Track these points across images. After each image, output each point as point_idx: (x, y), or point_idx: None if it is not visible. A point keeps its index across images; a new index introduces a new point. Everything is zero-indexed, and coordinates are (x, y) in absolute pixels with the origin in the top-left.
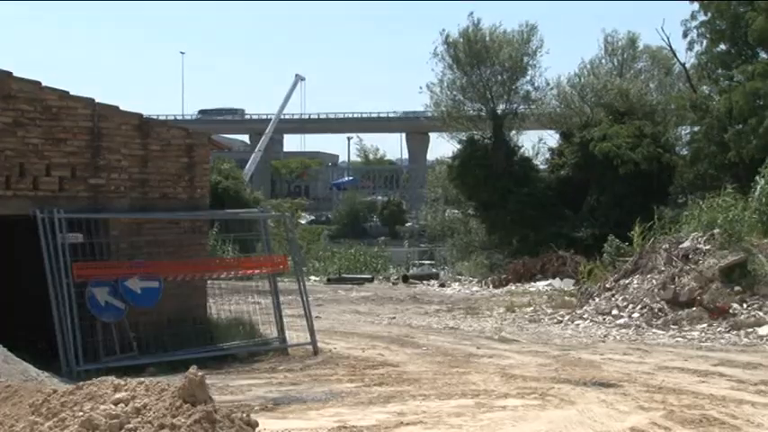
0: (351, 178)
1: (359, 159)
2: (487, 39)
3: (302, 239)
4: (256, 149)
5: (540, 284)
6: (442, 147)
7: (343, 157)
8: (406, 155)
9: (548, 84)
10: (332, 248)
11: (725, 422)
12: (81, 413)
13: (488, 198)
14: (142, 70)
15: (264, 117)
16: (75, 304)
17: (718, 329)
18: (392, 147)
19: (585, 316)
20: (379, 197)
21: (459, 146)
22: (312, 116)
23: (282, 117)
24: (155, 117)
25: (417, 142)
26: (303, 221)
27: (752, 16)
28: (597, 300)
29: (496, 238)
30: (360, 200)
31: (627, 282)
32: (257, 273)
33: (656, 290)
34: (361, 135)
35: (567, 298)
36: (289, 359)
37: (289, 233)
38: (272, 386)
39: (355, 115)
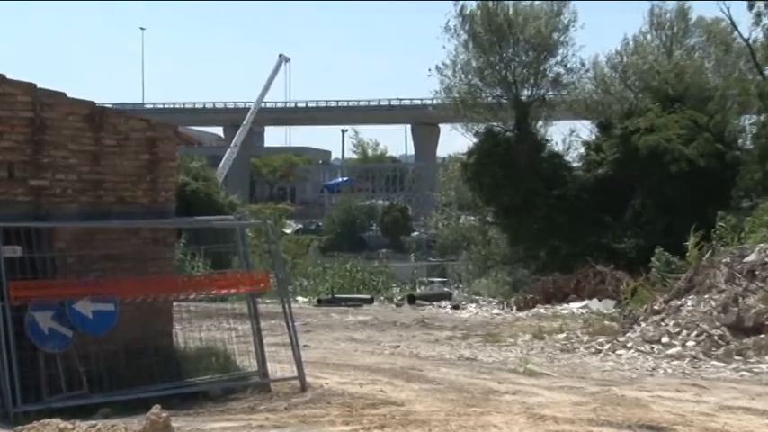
0: (345, 179)
1: (355, 156)
2: (511, 11)
3: (287, 252)
4: (232, 144)
5: (575, 306)
6: (454, 141)
7: (336, 154)
8: (411, 150)
9: (582, 65)
10: (323, 263)
11: None
12: None
13: (511, 202)
14: (93, 50)
15: (242, 106)
16: (13, 332)
17: None
18: (395, 141)
19: (629, 344)
20: (380, 201)
21: (475, 139)
22: (299, 104)
23: (263, 105)
24: (109, 106)
25: (425, 136)
26: (288, 231)
27: None
28: (644, 325)
29: (521, 250)
30: (356, 204)
31: (680, 303)
32: (233, 293)
33: (715, 313)
34: (357, 127)
35: (606, 323)
36: (271, 397)
37: (271, 245)
38: (251, 429)
39: (351, 103)
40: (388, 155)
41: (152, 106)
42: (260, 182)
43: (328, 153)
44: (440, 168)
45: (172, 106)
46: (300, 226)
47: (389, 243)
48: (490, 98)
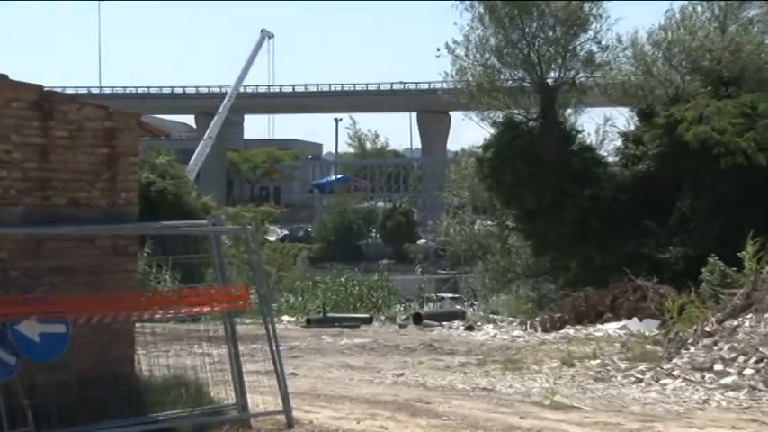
0: (340, 177)
1: (351, 150)
2: None
3: (271, 264)
4: (205, 136)
5: (611, 327)
6: (468, 132)
7: (328, 148)
8: (417, 144)
9: (619, 41)
10: (313, 276)
11: None
12: None
13: (535, 204)
14: (41, 26)
15: (217, 90)
16: None
17: None
18: (398, 132)
19: (676, 373)
20: (381, 203)
21: (492, 130)
22: (284, 89)
23: (242, 90)
24: (60, 90)
25: (433, 126)
26: (272, 238)
27: None
28: (693, 349)
29: (547, 260)
30: (353, 207)
31: (736, 324)
32: (207, 311)
33: None
34: (353, 116)
35: (648, 347)
36: None
37: (252, 254)
38: None
39: (346, 88)
40: (389, 149)
41: (111, 91)
42: (238, 180)
43: (319, 146)
44: (451, 164)
45: (134, 91)
46: (286, 232)
47: (391, 253)
48: (510, 81)
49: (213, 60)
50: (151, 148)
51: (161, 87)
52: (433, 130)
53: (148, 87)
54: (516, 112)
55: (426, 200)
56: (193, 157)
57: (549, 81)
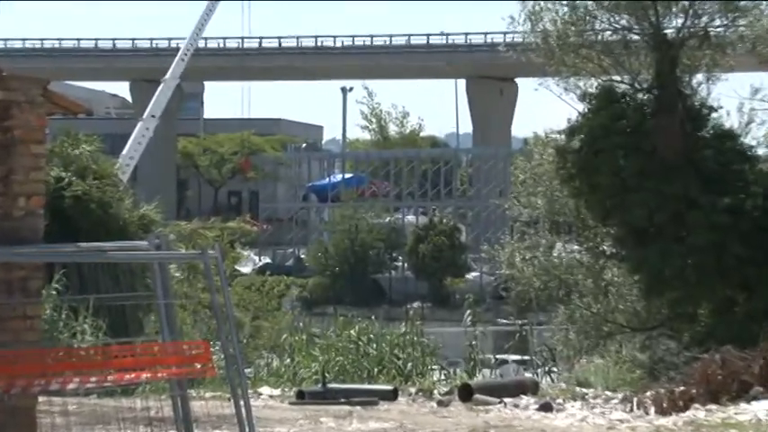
0: (349, 176)
1: (367, 136)
2: None
3: (243, 307)
4: (146, 114)
5: (762, 407)
6: (545, 108)
7: (332, 132)
8: (467, 127)
9: None
10: (308, 327)
11: None
12: None
13: (646, 220)
14: None
15: (164, 45)
16: None
17: None
18: (438, 109)
19: None
20: (411, 216)
21: (582, 106)
22: (265, 44)
23: (202, 45)
24: None
25: (491, 100)
26: (247, 269)
27: None
28: None
29: (664, 305)
30: (368, 222)
31: None
32: (147, 379)
33: None
34: (370, 84)
35: None
36: None
37: (215, 294)
38: None
39: (358, 42)
40: (424, 134)
41: (3, 45)
42: (196, 181)
43: (318, 130)
44: (517, 158)
45: (38, 45)
46: (268, 260)
47: (428, 292)
48: (610, 33)
49: (159, 2)
50: (65, 133)
51: (79, 40)
52: (491, 107)
53: (60, 40)
54: (619, 78)
55: (480, 212)
56: (128, 144)
57: (669, 32)
